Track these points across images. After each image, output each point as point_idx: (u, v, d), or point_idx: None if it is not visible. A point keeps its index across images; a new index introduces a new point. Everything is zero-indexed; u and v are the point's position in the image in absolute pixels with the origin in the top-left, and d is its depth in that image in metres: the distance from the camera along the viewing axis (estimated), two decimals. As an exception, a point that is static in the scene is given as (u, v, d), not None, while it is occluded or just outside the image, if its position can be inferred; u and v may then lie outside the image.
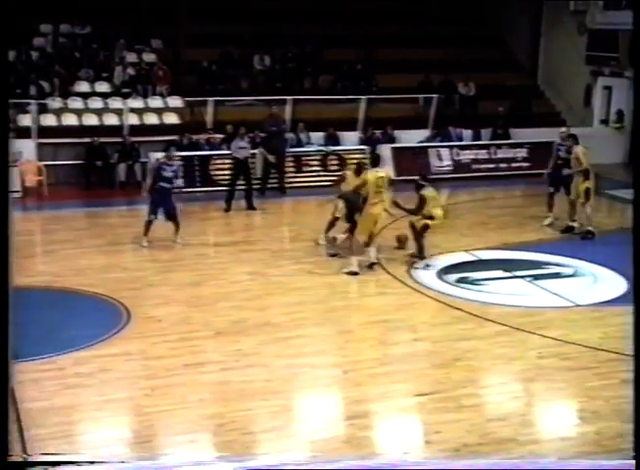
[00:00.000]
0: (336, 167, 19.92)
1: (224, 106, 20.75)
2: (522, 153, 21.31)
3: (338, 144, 20.66)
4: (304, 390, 9.12)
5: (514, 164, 21.24)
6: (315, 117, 20.73)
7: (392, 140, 21.14)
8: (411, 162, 20.36)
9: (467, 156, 21.07)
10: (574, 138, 15.70)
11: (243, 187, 17.32)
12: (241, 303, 11.63)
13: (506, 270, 13.33)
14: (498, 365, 9.87)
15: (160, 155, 18.08)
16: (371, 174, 13.16)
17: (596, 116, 23.87)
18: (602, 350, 10.09)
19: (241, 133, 17.48)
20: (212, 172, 19.04)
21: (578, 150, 15.28)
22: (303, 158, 19.88)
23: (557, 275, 13.21)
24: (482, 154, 21.18)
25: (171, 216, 14.37)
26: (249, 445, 7.79)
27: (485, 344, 10.34)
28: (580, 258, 13.82)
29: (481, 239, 15.02)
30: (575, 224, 15.50)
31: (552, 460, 7.48)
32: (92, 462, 5.81)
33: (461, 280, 12.87)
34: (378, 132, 21.18)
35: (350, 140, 21.03)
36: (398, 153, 20.51)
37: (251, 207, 17.22)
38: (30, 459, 6.72)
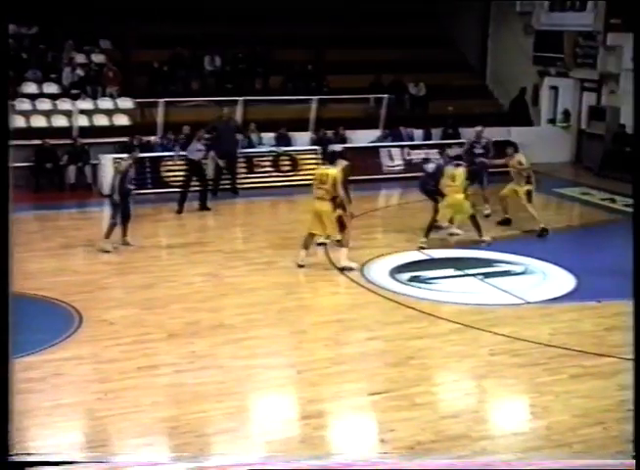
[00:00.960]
0: (288, 168, 19.97)
1: (175, 107, 20.63)
2: (472, 152, 21.47)
3: (289, 145, 20.68)
4: (259, 391, 9.13)
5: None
6: (266, 117, 20.72)
7: (344, 140, 21.17)
8: (363, 162, 20.41)
9: (418, 155, 21.20)
10: (515, 148, 16.37)
11: (197, 188, 17.26)
12: (194, 304, 11.59)
13: (457, 269, 13.46)
14: (451, 363, 9.97)
15: (111, 157, 17.98)
16: (318, 170, 13.29)
17: (543, 115, 24.20)
18: (551, 346, 10.25)
19: (199, 135, 17.47)
20: (164, 174, 18.93)
21: (520, 156, 15.77)
22: (255, 159, 19.87)
23: (507, 273, 13.38)
24: (433, 153, 21.31)
25: (128, 219, 14.27)
26: (203, 447, 7.78)
27: (438, 342, 10.44)
28: (530, 256, 14.01)
29: (433, 238, 15.10)
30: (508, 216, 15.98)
31: (552, 459, 7.53)
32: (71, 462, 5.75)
33: (413, 279, 12.97)
34: (329, 133, 21.24)
35: (302, 140, 21.06)
36: (350, 153, 20.51)
37: (204, 207, 17.17)
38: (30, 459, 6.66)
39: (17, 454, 5.91)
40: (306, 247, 13.29)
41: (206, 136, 17.74)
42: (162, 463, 7.28)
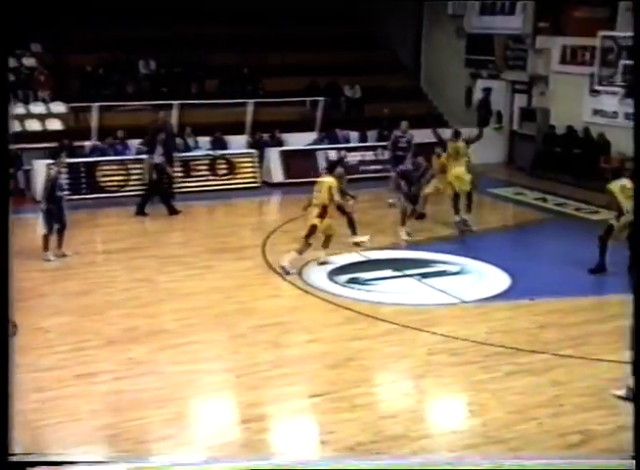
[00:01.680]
0: (224, 172, 19.92)
1: (109, 111, 20.44)
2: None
3: (225, 148, 20.65)
4: (199, 396, 9.11)
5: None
6: (202, 121, 20.65)
7: (280, 143, 21.26)
8: (299, 164, 20.52)
9: (354, 157, 21.33)
10: (457, 134, 16.48)
11: (145, 192, 17.41)
12: (132, 310, 11.51)
13: (395, 269, 13.60)
14: (389, 363, 10.09)
15: (44, 162, 17.70)
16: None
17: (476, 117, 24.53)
18: (487, 344, 10.44)
19: (161, 139, 17.53)
20: (100, 179, 18.74)
21: (461, 144, 16.10)
22: (191, 162, 19.78)
23: (444, 273, 13.56)
24: (369, 155, 21.48)
25: (64, 228, 14.04)
26: (143, 454, 7.74)
27: (377, 343, 10.55)
28: (466, 256, 14.22)
29: (371, 239, 15.24)
30: (464, 216, 15.98)
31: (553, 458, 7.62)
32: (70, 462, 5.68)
33: (351, 281, 13.07)
34: (266, 136, 21.28)
35: (238, 144, 21.04)
36: (287, 156, 20.64)
37: (142, 212, 17.12)
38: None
39: (17, 454, 5.88)
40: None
41: (142, 141, 17.70)
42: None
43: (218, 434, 8.19)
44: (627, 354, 8.42)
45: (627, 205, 12.89)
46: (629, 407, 8.73)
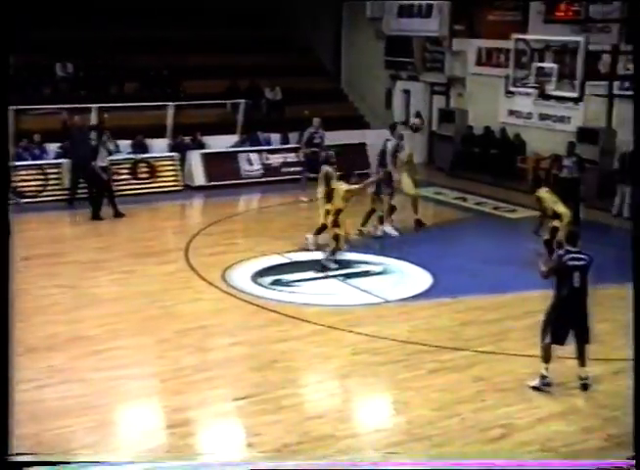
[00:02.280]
0: (146, 175, 19.72)
1: (26, 114, 20.01)
2: (329, 155, 21.81)
3: (146, 151, 20.44)
4: (123, 402, 9.02)
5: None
6: (122, 124, 20.41)
7: (202, 146, 21.16)
8: (221, 167, 20.47)
9: (276, 159, 21.37)
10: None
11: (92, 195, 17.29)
12: (53, 317, 11.32)
13: (318, 271, 13.67)
14: (314, 364, 10.15)
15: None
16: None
17: (396, 118, 24.79)
18: (410, 342, 10.59)
19: (103, 142, 17.53)
20: (17, 184, 18.35)
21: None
22: (112, 166, 19.49)
23: (367, 273, 13.68)
24: (291, 157, 21.51)
25: None
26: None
27: (301, 344, 10.60)
28: (388, 256, 14.38)
29: (294, 241, 15.28)
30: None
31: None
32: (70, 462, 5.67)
33: (275, 282, 13.09)
34: (187, 138, 21.14)
35: (159, 147, 20.86)
36: (208, 158, 20.55)
37: (97, 217, 17.02)
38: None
39: (17, 454, 5.75)
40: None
41: (61, 144, 17.49)
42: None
43: (143, 440, 8.12)
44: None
45: (558, 207, 13.41)
46: (546, 399, 9.02)
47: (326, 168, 14.82)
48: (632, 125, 7.04)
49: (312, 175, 17.80)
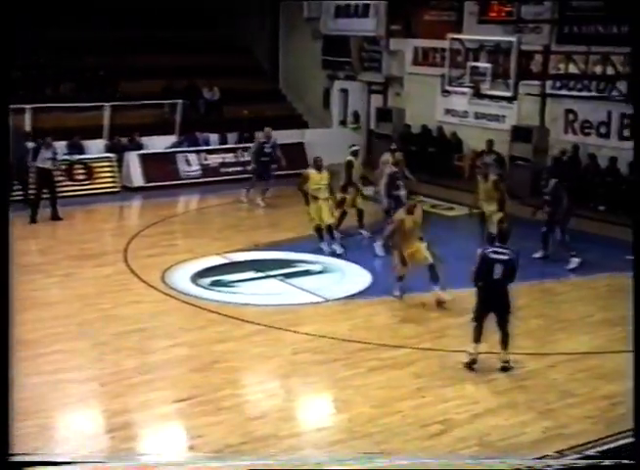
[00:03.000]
0: (82, 177, 19.50)
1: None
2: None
3: (83, 153, 20.19)
4: (62, 407, 8.93)
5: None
6: (58, 125, 20.12)
7: (140, 147, 20.99)
8: (159, 168, 20.34)
9: (215, 160, 21.32)
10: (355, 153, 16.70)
11: (47, 197, 16.98)
12: (-12, 322, 11.13)
13: (258, 271, 13.69)
14: (255, 365, 10.18)
15: None
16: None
17: (334, 117, 24.97)
18: (350, 341, 10.68)
19: (46, 143, 17.13)
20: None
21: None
22: (55, 168, 19.20)
23: (307, 273, 13.75)
24: (230, 157, 21.51)
25: None
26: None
27: (242, 344, 10.61)
28: (328, 255, 14.44)
29: (233, 241, 15.30)
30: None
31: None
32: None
33: (215, 283, 13.07)
34: (124, 139, 20.96)
35: (96, 148, 20.62)
36: (146, 159, 20.39)
37: (56, 217, 16.76)
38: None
39: (17, 454, 5.63)
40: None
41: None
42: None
43: (83, 445, 8.06)
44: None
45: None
46: (484, 394, 9.19)
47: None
48: (632, 127, 7.20)
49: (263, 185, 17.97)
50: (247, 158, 21.59)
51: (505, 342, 9.82)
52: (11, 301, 5.47)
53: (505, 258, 9.68)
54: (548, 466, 7.05)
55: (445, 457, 7.83)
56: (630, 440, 7.80)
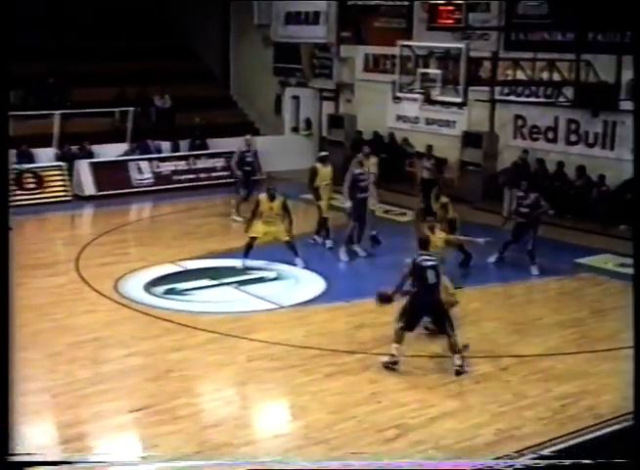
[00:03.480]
0: (32, 186, 19.27)
1: None
2: (220, 162, 21.80)
3: (32, 161, 19.97)
4: (15, 419, 8.79)
5: (213, 174, 21.70)
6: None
7: (91, 155, 20.81)
8: (111, 176, 20.19)
9: (167, 167, 21.22)
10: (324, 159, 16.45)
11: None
12: (-63, 335, 10.94)
13: (212, 278, 13.65)
14: (210, 373, 10.14)
15: None
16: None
17: (287, 124, 25.00)
18: (306, 347, 10.70)
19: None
20: None
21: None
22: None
23: (261, 280, 13.74)
24: (182, 165, 21.44)
25: None
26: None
27: (197, 353, 10.57)
28: (282, 262, 14.44)
29: (187, 249, 15.24)
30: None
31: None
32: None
33: (169, 291, 13.00)
34: (75, 148, 20.76)
35: (46, 157, 20.41)
36: (98, 168, 20.23)
37: None
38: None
39: (17, 454, 5.53)
40: None
41: None
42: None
43: (34, 458, 7.94)
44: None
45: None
46: (438, 398, 9.27)
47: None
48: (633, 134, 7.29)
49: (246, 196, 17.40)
50: (199, 165, 21.62)
51: (452, 346, 9.96)
52: (11, 301, 5.42)
53: (434, 263, 10.11)
54: (509, 466, 7.15)
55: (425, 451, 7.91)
56: (583, 438, 8.02)
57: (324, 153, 15.43)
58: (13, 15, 5.23)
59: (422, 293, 10.05)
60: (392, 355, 9.93)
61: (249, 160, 18.12)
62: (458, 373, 9.86)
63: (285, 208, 14.32)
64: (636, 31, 7.67)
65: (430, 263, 10.08)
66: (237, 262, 14.35)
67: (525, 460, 7.60)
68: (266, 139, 23.37)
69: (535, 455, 7.66)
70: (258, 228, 14.14)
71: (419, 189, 18.11)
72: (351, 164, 15.97)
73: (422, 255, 10.18)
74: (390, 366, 9.92)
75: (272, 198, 14.20)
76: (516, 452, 7.96)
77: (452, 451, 8.07)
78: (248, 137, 18.61)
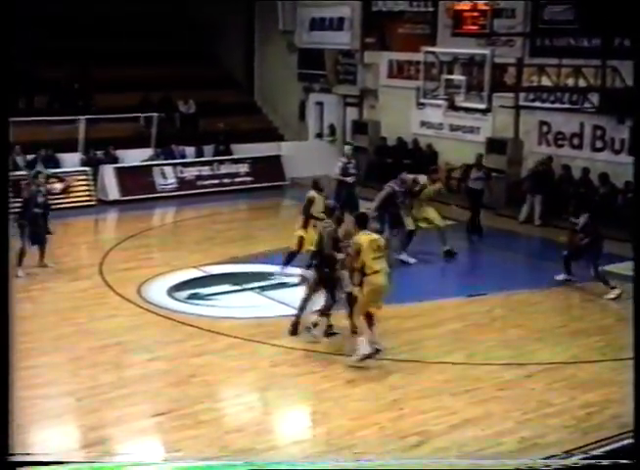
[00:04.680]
0: (57, 191, 19.35)
1: None
2: (244, 168, 21.86)
3: (58, 166, 20.09)
4: (37, 422, 8.84)
5: (237, 179, 21.75)
6: (32, 138, 19.99)
7: (115, 160, 20.92)
8: (135, 181, 20.29)
9: (191, 173, 21.29)
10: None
11: None
12: (-38, 338, 11.02)
13: (235, 283, 13.66)
14: (232, 378, 10.14)
15: None
16: (364, 237, 10.45)
17: (311, 130, 25.02)
18: (328, 353, 10.66)
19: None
20: None
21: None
22: (21, 182, 19.09)
23: (283, 285, 13.72)
24: (206, 170, 21.50)
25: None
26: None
27: (219, 358, 10.57)
28: (304, 267, 14.39)
29: (210, 254, 15.27)
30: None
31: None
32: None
33: (192, 296, 13.03)
34: (100, 153, 20.88)
35: (71, 162, 20.53)
36: (122, 173, 20.33)
37: None
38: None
39: (17, 454, 5.57)
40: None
41: None
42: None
43: (60, 461, 7.97)
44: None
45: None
46: (462, 405, 9.21)
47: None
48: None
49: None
50: (222, 170, 21.65)
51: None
52: (11, 303, 5.45)
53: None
54: (547, 466, 7.08)
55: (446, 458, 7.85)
56: (611, 446, 7.94)
57: (318, 179, 14.13)
58: (13, 19, 5.23)
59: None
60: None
61: (351, 171, 17.35)
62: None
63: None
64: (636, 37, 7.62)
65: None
66: (259, 267, 14.36)
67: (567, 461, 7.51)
68: (290, 145, 23.41)
69: (581, 456, 7.57)
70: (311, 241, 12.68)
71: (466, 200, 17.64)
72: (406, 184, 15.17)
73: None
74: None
75: (321, 190, 13.79)
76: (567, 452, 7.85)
77: (475, 459, 8.00)
78: (348, 147, 18.02)
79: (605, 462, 6.51)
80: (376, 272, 10.25)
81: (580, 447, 8.13)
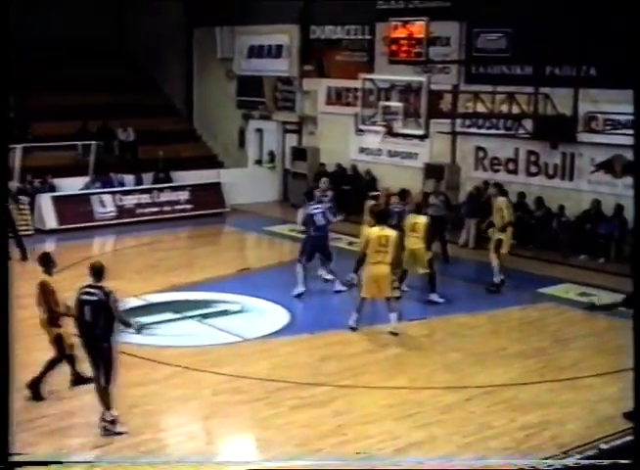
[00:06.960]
0: (-7, 220, 19.06)
1: None
2: (184, 195, 21.76)
3: (-7, 195, 19.76)
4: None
5: (177, 207, 21.64)
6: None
7: (53, 189, 20.67)
8: (73, 210, 20.06)
9: (130, 201, 21.13)
10: (500, 188, 15.56)
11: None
12: None
13: (176, 312, 13.57)
14: (175, 407, 10.05)
15: None
16: (374, 232, 12.40)
17: (250, 157, 25.07)
18: (270, 380, 10.65)
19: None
20: None
21: (501, 201, 15.10)
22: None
23: (225, 313, 13.68)
24: (146, 198, 21.35)
25: None
26: None
27: (160, 387, 10.48)
28: (246, 294, 14.41)
29: (151, 283, 15.15)
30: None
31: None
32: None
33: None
34: (37, 181, 20.60)
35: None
36: (60, 201, 20.09)
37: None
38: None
39: (17, 454, 5.42)
40: (359, 310, 12.54)
41: None
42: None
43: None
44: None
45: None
46: (405, 429, 9.27)
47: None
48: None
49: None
50: (162, 198, 21.52)
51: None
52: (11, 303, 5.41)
53: (94, 298, 9.57)
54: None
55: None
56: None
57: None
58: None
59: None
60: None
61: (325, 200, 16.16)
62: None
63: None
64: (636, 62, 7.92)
65: (87, 298, 9.64)
66: (200, 295, 14.31)
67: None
68: (230, 172, 23.43)
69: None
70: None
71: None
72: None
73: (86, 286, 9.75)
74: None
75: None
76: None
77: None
78: (324, 180, 17.11)
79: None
80: (374, 263, 12.10)
81: None
